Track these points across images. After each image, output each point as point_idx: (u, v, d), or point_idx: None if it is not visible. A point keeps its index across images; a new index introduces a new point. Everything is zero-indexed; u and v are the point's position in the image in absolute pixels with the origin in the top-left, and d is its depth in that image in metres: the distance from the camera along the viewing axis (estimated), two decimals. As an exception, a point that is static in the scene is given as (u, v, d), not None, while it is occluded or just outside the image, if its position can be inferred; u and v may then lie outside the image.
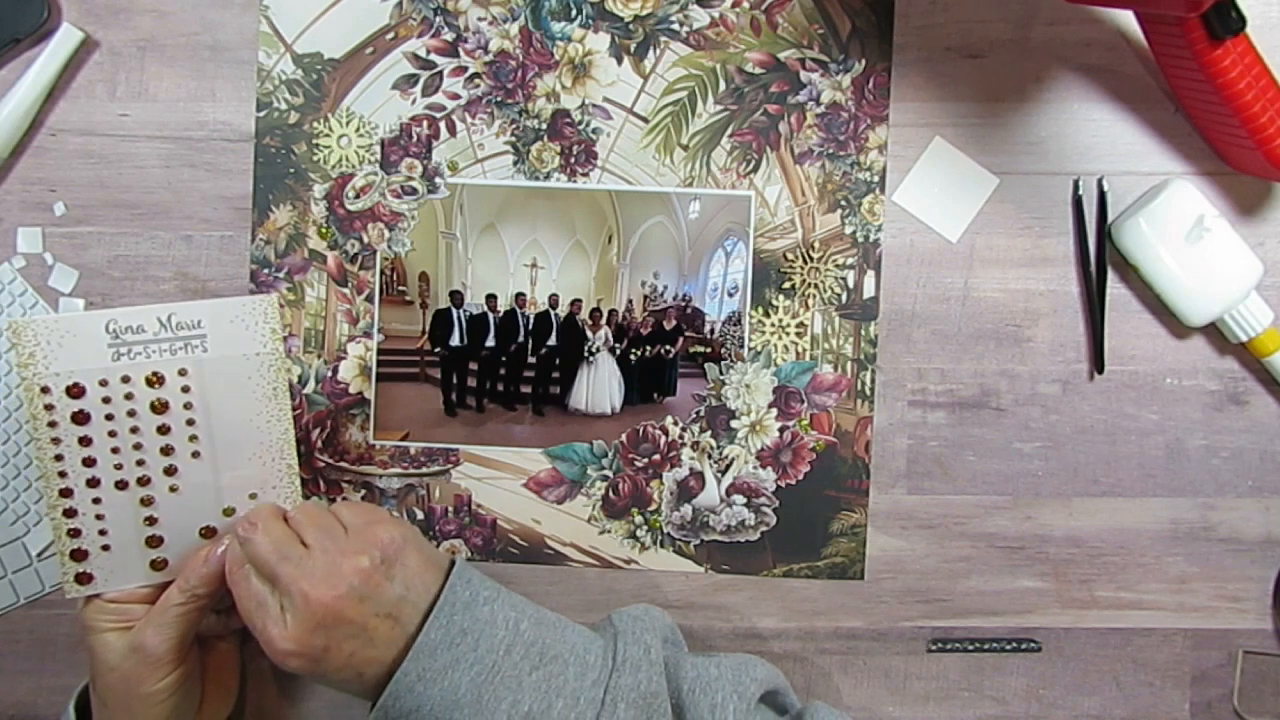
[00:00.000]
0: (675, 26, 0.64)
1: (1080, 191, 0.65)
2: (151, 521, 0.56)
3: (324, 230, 0.65)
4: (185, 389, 0.55)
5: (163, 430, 0.55)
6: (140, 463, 0.55)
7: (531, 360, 0.66)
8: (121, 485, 0.55)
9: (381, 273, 0.65)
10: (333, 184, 0.65)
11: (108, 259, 0.65)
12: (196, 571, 0.54)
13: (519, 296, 0.65)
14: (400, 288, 0.65)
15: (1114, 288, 0.65)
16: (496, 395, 0.66)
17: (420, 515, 0.66)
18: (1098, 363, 0.65)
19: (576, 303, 0.65)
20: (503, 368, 0.66)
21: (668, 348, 0.65)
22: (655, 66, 0.65)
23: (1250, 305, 0.63)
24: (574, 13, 0.64)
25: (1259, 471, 0.66)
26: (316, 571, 0.50)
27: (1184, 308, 0.63)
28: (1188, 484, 0.66)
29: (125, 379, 0.54)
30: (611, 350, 0.65)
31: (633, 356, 0.65)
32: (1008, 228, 0.65)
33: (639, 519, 0.66)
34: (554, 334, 0.65)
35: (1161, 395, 0.66)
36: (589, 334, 0.65)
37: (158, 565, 0.57)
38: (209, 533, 0.57)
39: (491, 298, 0.65)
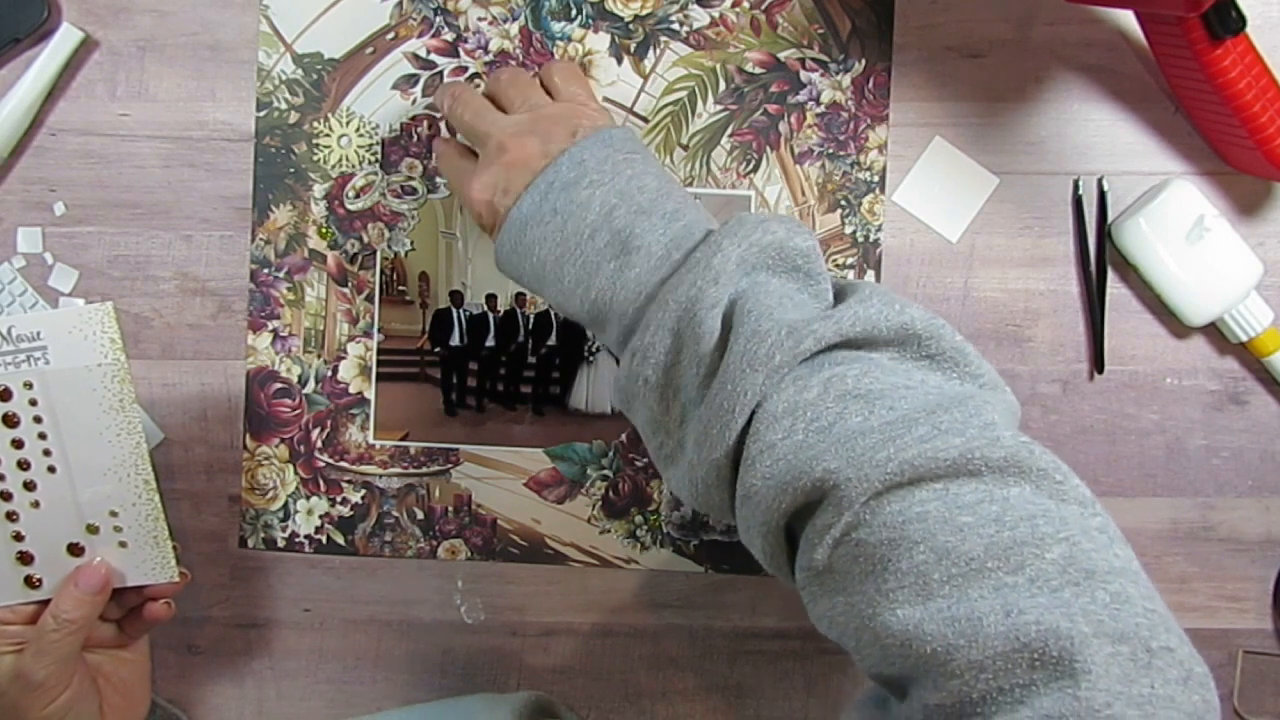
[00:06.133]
0: (675, 26, 0.64)
1: (1080, 191, 0.65)
2: (19, 538, 0.55)
3: (324, 230, 0.65)
4: (33, 402, 0.53)
5: (17, 444, 0.54)
6: (0, 477, 0.54)
7: (531, 360, 0.66)
8: None
9: (381, 272, 0.65)
10: (333, 184, 0.65)
11: (108, 259, 0.65)
12: (68, 596, 0.53)
13: (519, 296, 0.65)
14: (400, 288, 0.65)
15: (1114, 288, 0.65)
16: (496, 395, 0.66)
17: (420, 515, 0.66)
18: (1098, 363, 0.65)
19: (576, 303, 0.65)
20: (503, 368, 0.66)
21: (668, 348, 0.65)
22: (655, 66, 0.65)
23: (1250, 305, 0.63)
24: (574, 13, 0.64)
25: (1259, 471, 0.66)
26: (518, 130, 0.53)
27: (1184, 308, 0.63)
28: (1188, 484, 0.66)
29: None
30: (611, 351, 0.65)
31: (633, 356, 0.65)
32: (1008, 228, 0.65)
33: (639, 519, 0.66)
34: (554, 334, 0.65)
35: (1161, 395, 0.66)
36: (589, 334, 0.65)
37: (33, 583, 0.55)
38: (77, 550, 0.55)
39: (492, 297, 0.65)
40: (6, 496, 0.54)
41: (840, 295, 0.48)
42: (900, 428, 0.41)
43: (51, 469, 0.54)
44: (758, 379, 0.43)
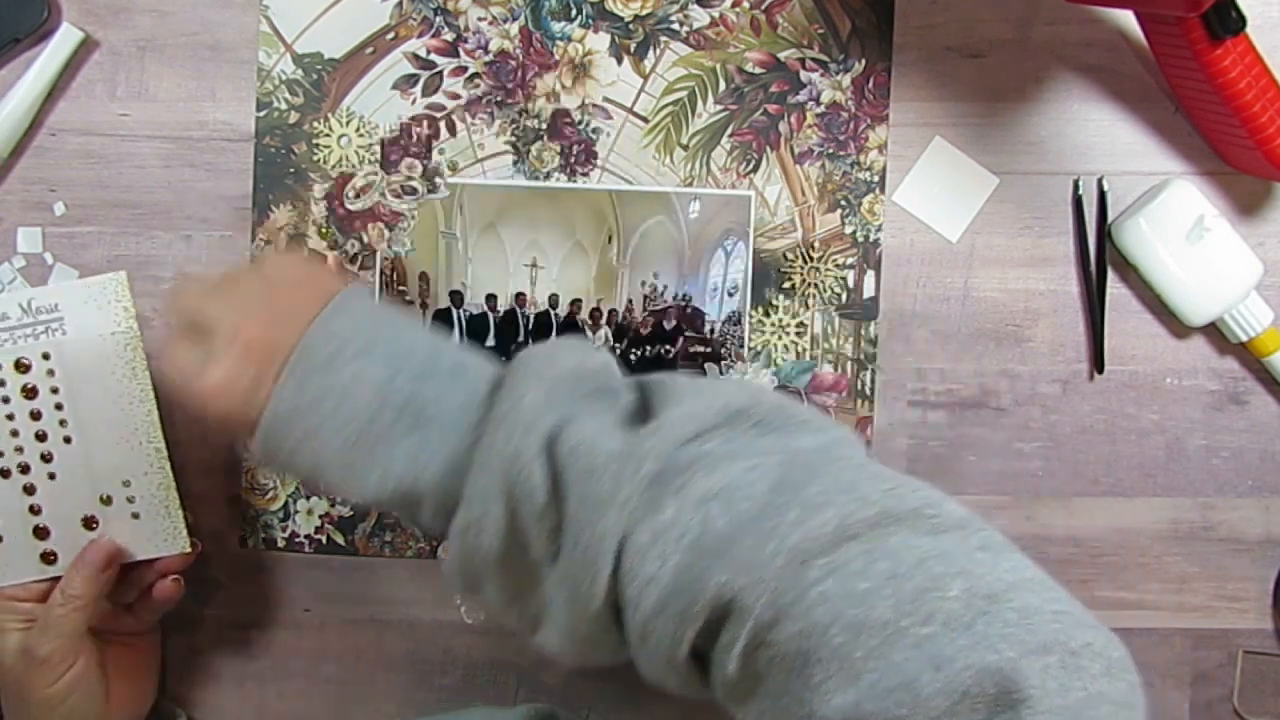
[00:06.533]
0: (675, 26, 0.64)
1: (1080, 191, 0.65)
2: (36, 511, 0.56)
3: (324, 230, 0.65)
4: (50, 373, 0.55)
5: (35, 416, 0.55)
6: (19, 449, 0.55)
7: (531, 360, 0.65)
8: (4, 474, 0.55)
9: (381, 273, 0.65)
10: (333, 184, 0.65)
11: (108, 259, 0.65)
12: (77, 572, 0.54)
13: (519, 296, 0.65)
14: (400, 288, 0.65)
15: (1114, 288, 0.65)
16: (496, 395, 0.66)
17: (420, 515, 0.66)
18: (1098, 363, 0.65)
19: (576, 303, 0.65)
20: (503, 368, 0.65)
21: (668, 348, 0.65)
22: (655, 66, 0.65)
23: (1250, 305, 0.63)
24: (574, 13, 0.64)
25: (1259, 471, 0.66)
26: (249, 305, 0.47)
27: (1184, 308, 0.63)
28: (1188, 484, 0.66)
29: None
30: (611, 350, 0.65)
31: (633, 356, 0.65)
32: (1008, 228, 0.65)
33: (639, 519, 0.66)
34: (554, 334, 0.65)
35: (1161, 395, 0.66)
36: (589, 334, 0.65)
37: (48, 558, 0.56)
38: (91, 523, 0.56)
39: (491, 298, 0.65)
40: (25, 469, 0.55)
41: (644, 393, 0.47)
42: (773, 516, 0.40)
43: (67, 439, 0.55)
44: (610, 518, 0.41)
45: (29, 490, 0.55)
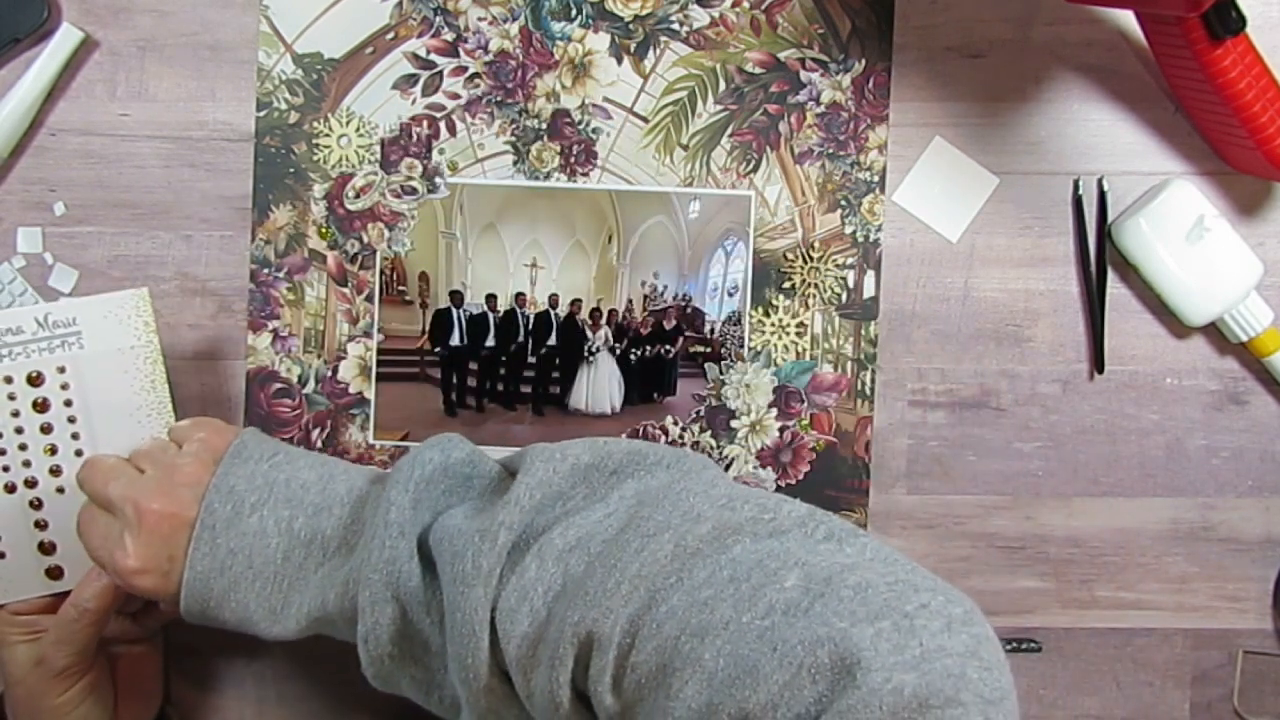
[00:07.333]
0: (675, 26, 0.64)
1: (1080, 191, 0.65)
2: (42, 526, 0.55)
3: (324, 230, 0.65)
4: (64, 386, 0.55)
5: (45, 429, 0.55)
6: (26, 464, 0.55)
7: (531, 360, 0.66)
8: (10, 488, 0.55)
9: (381, 273, 0.65)
10: (333, 184, 0.65)
11: (108, 259, 0.65)
12: (89, 584, 0.54)
13: (519, 296, 0.65)
14: (400, 288, 0.65)
15: (1114, 288, 0.65)
16: (496, 395, 0.66)
17: (420, 515, 0.66)
18: (1098, 363, 0.65)
19: (576, 303, 0.65)
20: (503, 368, 0.66)
21: (667, 348, 0.65)
22: (655, 66, 0.65)
23: (1250, 305, 0.63)
24: (574, 13, 0.64)
25: (1259, 471, 0.66)
26: (148, 486, 0.49)
27: (1184, 308, 0.63)
28: (1188, 484, 0.66)
29: (8, 379, 0.54)
30: (611, 350, 0.65)
31: (633, 356, 0.65)
32: (1008, 228, 0.65)
33: (639, 519, 0.66)
34: (554, 334, 0.65)
35: (1161, 395, 0.66)
36: (589, 334, 0.65)
37: (53, 573, 0.56)
38: None
39: (491, 298, 0.65)
40: (31, 483, 0.55)
41: (509, 467, 0.50)
42: (617, 552, 0.42)
43: (79, 452, 0.55)
44: (478, 592, 0.43)
45: (35, 505, 0.55)
